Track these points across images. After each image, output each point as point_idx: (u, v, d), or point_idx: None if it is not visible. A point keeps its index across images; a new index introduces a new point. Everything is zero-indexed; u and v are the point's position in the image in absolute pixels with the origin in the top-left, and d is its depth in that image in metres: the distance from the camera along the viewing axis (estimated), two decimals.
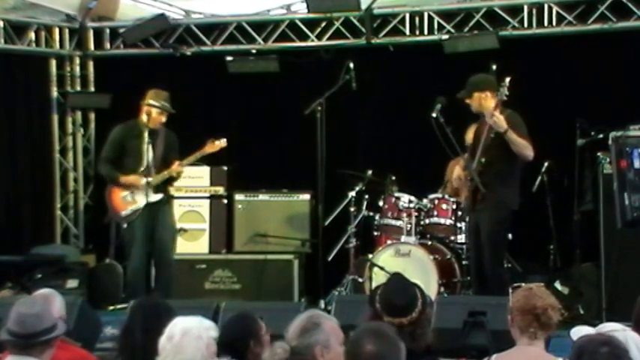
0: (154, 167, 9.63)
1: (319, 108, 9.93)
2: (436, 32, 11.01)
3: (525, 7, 10.65)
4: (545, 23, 10.60)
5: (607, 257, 9.13)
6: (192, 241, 11.02)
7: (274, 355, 4.66)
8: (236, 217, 11.13)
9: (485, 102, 8.85)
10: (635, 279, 8.33)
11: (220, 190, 11.23)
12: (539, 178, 10.11)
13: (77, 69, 12.34)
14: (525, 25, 10.67)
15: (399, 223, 9.84)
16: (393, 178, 10.19)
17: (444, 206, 9.83)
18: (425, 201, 9.88)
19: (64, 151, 12.33)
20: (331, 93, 9.99)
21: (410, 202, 9.87)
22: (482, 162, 8.81)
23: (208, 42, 11.73)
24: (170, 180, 9.78)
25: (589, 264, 9.74)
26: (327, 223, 10.17)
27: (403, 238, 9.70)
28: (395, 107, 11.31)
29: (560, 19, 10.53)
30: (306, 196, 11.00)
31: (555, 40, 10.66)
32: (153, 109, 9.58)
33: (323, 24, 11.37)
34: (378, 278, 9.08)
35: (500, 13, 10.74)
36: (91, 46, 12.21)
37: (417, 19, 11.10)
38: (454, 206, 9.77)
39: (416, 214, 9.82)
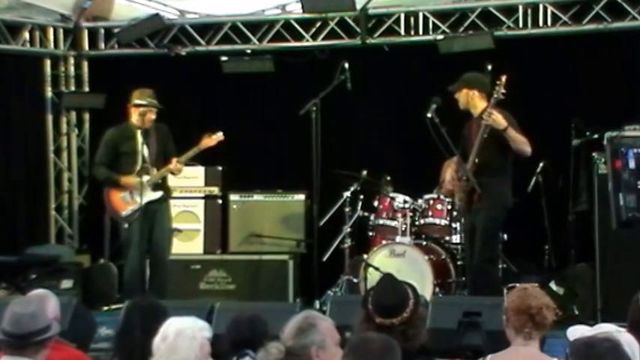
0: (152, 165, 9.64)
1: (314, 108, 9.91)
2: (431, 32, 11.01)
3: (520, 8, 10.65)
4: (541, 23, 10.60)
5: (602, 258, 9.13)
6: (187, 242, 11.02)
7: (269, 355, 4.65)
8: (231, 218, 11.12)
9: (472, 100, 8.90)
10: (630, 279, 8.32)
11: (215, 190, 11.22)
12: (535, 178, 10.11)
13: (72, 69, 12.31)
14: (520, 25, 10.67)
15: (394, 223, 9.83)
16: (388, 178, 10.18)
17: (439, 206, 9.82)
18: (420, 201, 9.88)
19: (59, 152, 12.31)
20: (326, 93, 9.96)
21: (405, 202, 9.87)
22: (476, 162, 8.82)
23: (203, 42, 11.72)
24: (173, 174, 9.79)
25: (584, 264, 9.73)
26: (322, 223, 10.14)
27: (398, 239, 9.69)
28: (390, 107, 11.30)
29: (556, 19, 10.54)
30: (301, 197, 10.99)
31: (550, 40, 10.66)
32: (140, 109, 9.58)
33: (318, 24, 11.37)
34: (373, 279, 9.07)
35: (496, 14, 10.74)
36: (86, 46, 12.20)
37: (412, 19, 11.10)
38: (449, 206, 9.76)
39: (411, 214, 9.82)
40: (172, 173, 9.75)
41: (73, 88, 12.35)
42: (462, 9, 10.92)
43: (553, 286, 9.66)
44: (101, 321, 8.42)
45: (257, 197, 11.15)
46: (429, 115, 8.96)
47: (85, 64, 12.33)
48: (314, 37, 11.41)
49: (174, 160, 9.64)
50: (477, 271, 8.86)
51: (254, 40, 11.56)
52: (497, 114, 8.72)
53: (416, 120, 9.24)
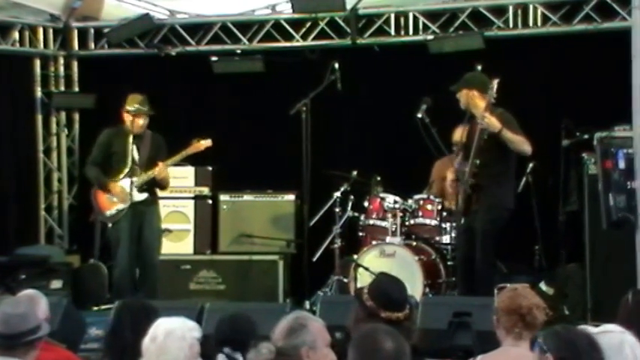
0: (140, 169, 9.65)
1: (304, 108, 9.91)
2: (421, 32, 11.00)
3: (510, 8, 10.66)
4: (531, 24, 10.61)
5: (592, 258, 9.15)
6: (177, 242, 11.00)
7: (259, 355, 4.64)
8: (221, 218, 11.10)
9: (472, 100, 8.87)
10: (620, 280, 8.32)
11: (205, 190, 11.21)
12: (525, 178, 10.12)
13: (61, 69, 12.29)
14: (510, 25, 10.68)
15: (384, 223, 9.83)
16: (378, 178, 10.18)
17: (429, 207, 9.83)
18: (410, 201, 9.88)
19: (48, 152, 12.28)
20: (316, 93, 9.96)
21: (395, 202, 9.86)
22: (477, 164, 8.81)
23: (193, 42, 11.70)
24: (159, 184, 9.77)
25: (574, 264, 9.75)
26: (312, 223, 10.14)
27: (388, 239, 9.69)
28: (380, 108, 11.29)
29: (545, 19, 10.55)
30: (291, 197, 10.99)
31: (540, 40, 10.67)
32: (129, 115, 9.61)
33: (308, 24, 11.35)
34: (363, 279, 9.07)
35: (486, 14, 10.74)
36: (76, 46, 12.16)
37: (402, 19, 11.10)
38: (439, 207, 9.77)
39: (401, 214, 9.81)
40: (161, 179, 9.71)
41: (62, 88, 12.32)
42: (452, 9, 10.92)
43: (543, 286, 9.67)
44: (91, 321, 8.40)
45: (247, 197, 11.14)
46: (420, 115, 8.96)
47: (75, 64, 12.30)
48: (304, 37, 11.40)
49: (161, 163, 9.63)
50: (478, 274, 8.83)
51: (244, 40, 11.54)
52: (491, 117, 8.71)
53: (406, 120, 9.24)
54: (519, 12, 10.65)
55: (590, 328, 4.47)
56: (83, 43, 12.15)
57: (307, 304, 9.52)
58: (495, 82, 8.72)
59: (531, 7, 10.58)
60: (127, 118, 9.65)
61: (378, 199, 9.92)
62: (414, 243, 9.76)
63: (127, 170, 9.66)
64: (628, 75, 8.13)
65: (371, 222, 9.91)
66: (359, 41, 11.14)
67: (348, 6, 10.93)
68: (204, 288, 10.74)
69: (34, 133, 12.13)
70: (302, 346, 4.56)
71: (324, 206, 10.22)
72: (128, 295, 9.18)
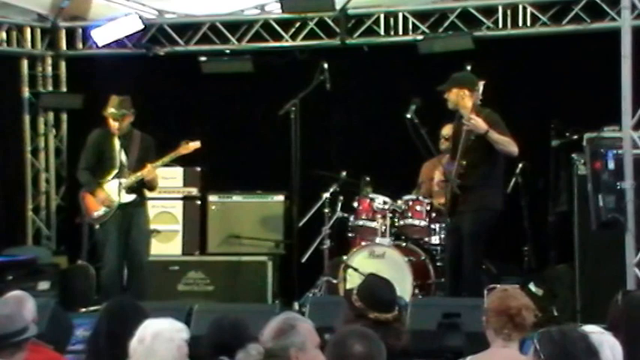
0: (129, 170, 9.62)
1: (293, 109, 9.90)
2: (411, 33, 11.00)
3: (500, 8, 10.66)
4: (520, 24, 10.61)
5: (582, 259, 9.15)
6: (166, 243, 10.96)
7: (249, 357, 4.63)
8: (210, 219, 11.07)
9: (462, 100, 8.86)
10: (610, 281, 8.32)
11: (194, 191, 11.18)
12: (514, 179, 10.11)
13: (49, 69, 12.23)
14: (500, 25, 10.68)
15: (373, 224, 9.81)
16: (368, 179, 10.16)
17: (419, 207, 9.81)
18: (399, 202, 9.86)
19: (36, 152, 12.23)
20: (305, 94, 9.96)
21: (384, 203, 9.85)
22: (464, 164, 8.80)
23: (182, 42, 11.67)
24: (148, 186, 9.74)
25: (564, 265, 9.75)
26: (301, 224, 10.13)
27: (378, 240, 9.67)
28: (369, 108, 11.28)
29: (535, 19, 10.55)
30: (281, 197, 10.96)
31: (530, 40, 10.67)
32: (108, 117, 9.59)
33: (297, 24, 11.34)
34: (353, 280, 9.05)
35: (475, 14, 10.74)
36: (63, 46, 12.12)
37: (391, 19, 11.09)
38: (428, 207, 9.76)
39: (390, 215, 9.80)
40: (149, 181, 9.68)
41: (50, 89, 12.27)
42: (442, 9, 10.92)
43: (532, 287, 9.66)
44: (79, 323, 8.35)
45: (236, 198, 11.11)
46: (409, 115, 8.94)
47: (63, 64, 12.25)
48: (293, 37, 11.38)
49: (149, 165, 9.60)
50: (467, 276, 8.81)
51: (233, 40, 11.52)
52: (477, 118, 8.70)
53: (395, 121, 9.22)
54: (509, 12, 10.65)
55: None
56: (71, 43, 12.10)
57: (296, 305, 9.51)
58: (481, 84, 8.72)
59: (521, 7, 10.58)
60: (108, 120, 9.63)
61: (368, 200, 9.90)
62: (404, 244, 9.75)
63: (115, 172, 9.62)
64: (617, 75, 8.14)
65: (360, 223, 9.89)
66: (348, 41, 11.13)
67: (338, 6, 10.91)
68: (192, 289, 10.70)
69: (22, 133, 12.08)
70: (291, 347, 4.54)
71: (314, 207, 10.19)
72: (116, 296, 9.12)
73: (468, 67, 9.14)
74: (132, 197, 9.64)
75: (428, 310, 7.80)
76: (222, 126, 11.54)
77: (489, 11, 10.71)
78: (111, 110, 9.58)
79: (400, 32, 11.07)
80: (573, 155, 9.27)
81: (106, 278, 9.72)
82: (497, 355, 4.91)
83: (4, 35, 11.73)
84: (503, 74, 10.07)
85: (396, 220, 9.83)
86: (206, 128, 11.05)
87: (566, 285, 9.51)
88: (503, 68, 10.31)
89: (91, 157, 9.77)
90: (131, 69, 11.65)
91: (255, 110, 11.40)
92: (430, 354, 7.25)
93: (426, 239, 9.81)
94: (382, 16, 11.10)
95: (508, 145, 8.75)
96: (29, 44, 12.02)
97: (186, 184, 11.16)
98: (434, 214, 9.72)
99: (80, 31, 12.05)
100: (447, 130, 9.51)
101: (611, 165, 8.46)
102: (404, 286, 9.03)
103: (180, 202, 11.13)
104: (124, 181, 9.57)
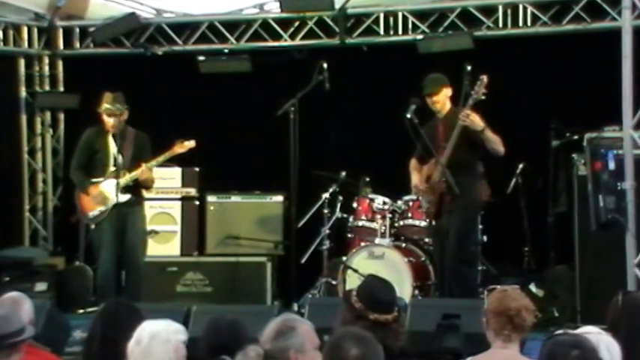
0: (125, 168, 9.57)
1: (292, 108, 9.87)
2: (410, 32, 10.98)
3: (500, 8, 10.63)
4: (520, 23, 10.58)
5: (581, 259, 9.15)
6: (164, 244, 10.94)
7: (247, 358, 4.59)
8: (208, 219, 11.03)
9: (448, 98, 8.96)
10: (610, 281, 8.31)
11: (192, 191, 11.14)
12: (514, 179, 10.11)
13: (46, 68, 12.21)
14: (500, 25, 10.65)
15: (373, 225, 9.80)
16: (367, 179, 10.15)
17: (418, 208, 9.77)
18: (399, 203, 9.86)
19: (33, 152, 12.19)
20: (304, 93, 9.93)
21: (384, 203, 9.84)
22: (445, 163, 8.80)
23: (180, 41, 11.63)
24: (144, 185, 9.69)
25: (563, 266, 9.74)
26: (300, 225, 10.11)
27: (377, 240, 9.65)
28: (369, 108, 11.26)
29: (535, 19, 10.52)
30: (279, 198, 10.92)
31: (530, 40, 10.64)
32: (103, 114, 9.55)
33: (296, 24, 11.31)
34: (352, 281, 9.04)
35: (475, 14, 10.71)
36: (60, 46, 12.09)
37: (391, 19, 11.06)
38: None
39: (390, 215, 9.78)
40: (144, 180, 9.63)
41: (47, 88, 12.25)
42: (442, 9, 10.89)
43: (532, 288, 9.66)
44: (76, 324, 8.33)
45: (234, 198, 11.07)
46: (408, 115, 8.92)
47: (60, 64, 12.22)
48: (292, 36, 11.34)
49: (144, 165, 9.55)
50: (452, 273, 8.82)
51: (231, 39, 11.49)
52: (475, 115, 8.71)
53: (395, 121, 9.18)
54: (509, 12, 10.62)
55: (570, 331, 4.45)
56: (68, 43, 12.06)
57: (295, 307, 9.49)
58: (485, 79, 8.74)
59: (521, 7, 10.55)
60: (102, 117, 9.58)
61: (367, 200, 9.89)
62: (403, 244, 9.73)
63: (109, 170, 9.58)
64: (618, 75, 8.12)
65: (360, 223, 9.87)
66: (347, 41, 11.10)
67: (337, 5, 10.89)
68: (190, 290, 10.66)
69: (19, 133, 12.05)
70: (290, 348, 4.51)
71: (313, 207, 10.17)
72: (111, 297, 9.09)
73: (468, 67, 9.12)
74: (127, 197, 9.59)
75: (427, 311, 7.79)
76: (220, 126, 11.51)
77: (489, 11, 10.69)
78: (105, 106, 9.53)
79: (400, 32, 11.04)
80: (573, 155, 9.27)
81: (101, 279, 9.69)
82: (497, 356, 4.89)
83: (0, 35, 11.69)
84: (503, 74, 10.01)
85: (395, 220, 9.82)
86: (204, 128, 11.02)
87: (566, 285, 9.51)
88: (503, 68, 10.26)
89: (83, 156, 9.72)
90: (129, 69, 11.62)
91: (253, 110, 11.38)
92: (429, 355, 7.24)
93: (426, 240, 9.77)
94: (381, 16, 11.07)
95: (499, 144, 8.80)
96: (26, 44, 11.99)
97: (184, 184, 11.13)
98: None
99: (77, 30, 12.01)
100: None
101: (611, 165, 8.45)
102: (403, 287, 9.02)
103: (179, 203, 11.10)
104: (118, 180, 9.50)
